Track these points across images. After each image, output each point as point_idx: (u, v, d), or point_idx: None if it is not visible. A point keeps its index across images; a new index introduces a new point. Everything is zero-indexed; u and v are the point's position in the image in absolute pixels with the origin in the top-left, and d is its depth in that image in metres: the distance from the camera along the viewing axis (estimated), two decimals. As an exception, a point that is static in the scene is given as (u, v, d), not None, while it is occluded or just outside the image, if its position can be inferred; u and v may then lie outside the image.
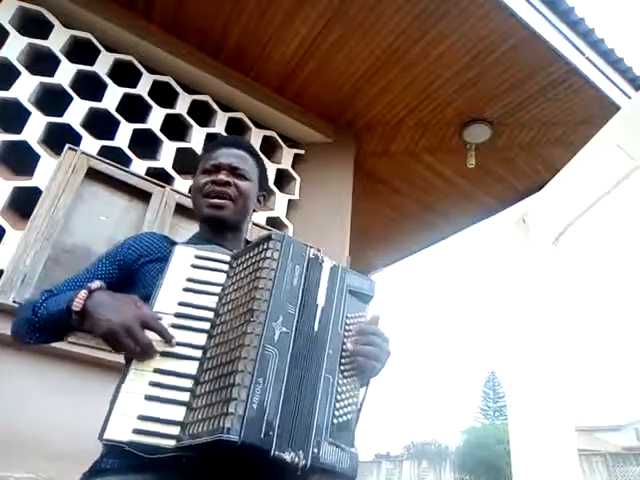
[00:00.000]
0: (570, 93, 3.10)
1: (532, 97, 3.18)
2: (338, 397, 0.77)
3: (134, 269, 0.99)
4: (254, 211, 1.16)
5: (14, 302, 1.94)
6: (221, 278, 0.84)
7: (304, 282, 0.80)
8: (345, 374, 0.80)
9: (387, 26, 2.75)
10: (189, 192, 2.63)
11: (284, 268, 0.78)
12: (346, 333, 0.83)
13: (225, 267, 0.85)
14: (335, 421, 0.74)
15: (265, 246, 0.80)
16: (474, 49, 2.86)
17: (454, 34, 2.77)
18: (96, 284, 0.83)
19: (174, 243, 1.01)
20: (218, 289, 0.83)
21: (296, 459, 0.67)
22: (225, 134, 3.00)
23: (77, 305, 0.79)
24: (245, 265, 0.82)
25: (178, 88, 2.94)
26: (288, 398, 0.71)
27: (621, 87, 3.10)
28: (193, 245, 0.90)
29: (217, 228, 1.07)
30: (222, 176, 1.05)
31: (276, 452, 0.65)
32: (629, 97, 3.07)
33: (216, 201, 1.04)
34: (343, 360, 0.80)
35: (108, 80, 2.69)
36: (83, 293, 0.80)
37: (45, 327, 0.87)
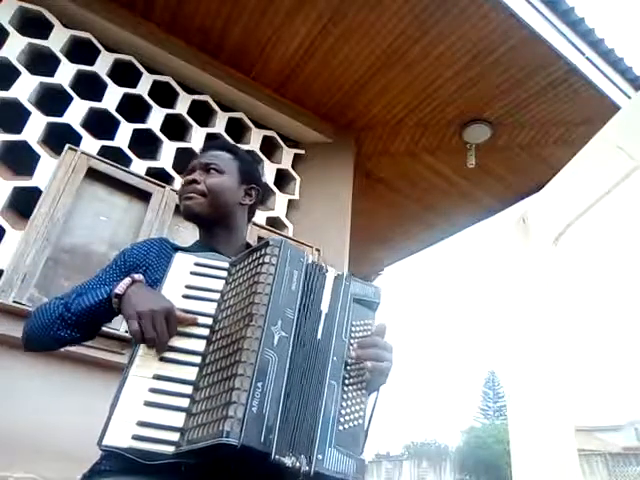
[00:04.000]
0: (570, 93, 3.10)
1: (532, 97, 3.18)
2: (344, 404, 0.77)
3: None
4: (252, 206, 1.17)
5: (14, 302, 1.94)
6: (219, 285, 0.85)
7: (303, 287, 0.81)
8: (350, 381, 0.80)
9: (387, 26, 2.75)
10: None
11: (282, 273, 0.78)
12: (352, 341, 0.83)
13: (224, 274, 0.86)
14: (341, 428, 0.74)
15: (263, 252, 0.80)
16: (474, 49, 2.86)
17: (454, 34, 2.77)
18: (139, 275, 0.89)
19: (177, 248, 1.04)
20: (217, 295, 0.83)
21: (297, 464, 0.67)
22: (225, 134, 3.01)
23: (120, 290, 0.85)
24: (243, 272, 0.82)
25: (178, 88, 2.94)
26: (289, 403, 0.71)
27: (621, 87, 3.10)
28: (193, 252, 0.91)
29: (203, 227, 1.11)
30: (188, 177, 1.10)
31: (276, 456, 0.65)
32: (629, 97, 3.07)
33: (185, 197, 1.08)
34: (348, 367, 0.81)
35: (108, 80, 2.69)
36: (127, 280, 0.87)
37: (80, 322, 0.92)
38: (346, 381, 0.80)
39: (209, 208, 1.07)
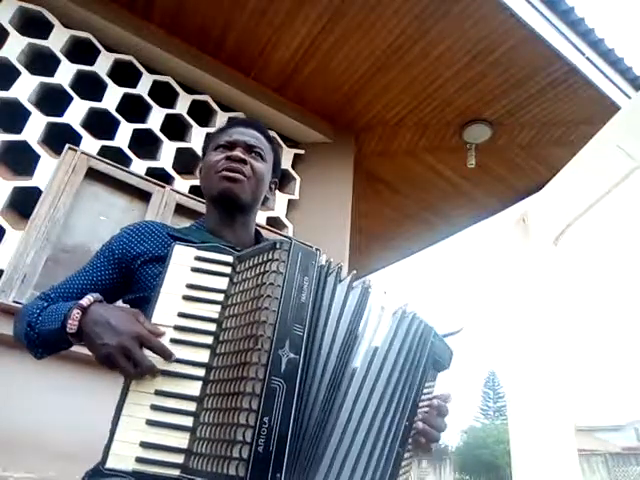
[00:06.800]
0: (570, 93, 3.10)
1: (532, 97, 3.17)
2: (401, 471, 0.74)
3: (132, 268, 0.94)
4: (266, 198, 1.11)
5: (14, 302, 1.94)
6: (224, 283, 0.77)
7: (313, 298, 0.73)
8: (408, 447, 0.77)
9: (387, 26, 2.75)
10: (189, 192, 2.64)
11: (291, 284, 0.71)
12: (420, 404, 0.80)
13: (228, 270, 0.78)
14: None
15: (270, 256, 0.73)
16: (474, 49, 2.86)
17: (454, 34, 2.77)
18: (89, 299, 0.77)
19: (173, 236, 0.96)
20: (221, 296, 0.76)
21: None
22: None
23: (71, 327, 0.75)
24: (249, 274, 0.75)
25: (178, 88, 2.94)
26: (301, 434, 0.67)
27: (621, 87, 3.10)
28: (193, 244, 0.82)
29: (228, 210, 1.01)
30: (237, 152, 1.00)
31: None
32: (629, 97, 3.07)
33: (231, 174, 0.98)
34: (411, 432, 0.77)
35: (108, 80, 2.69)
36: (76, 313, 0.75)
37: (45, 343, 0.83)
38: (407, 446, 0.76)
39: (250, 193, 1.00)
